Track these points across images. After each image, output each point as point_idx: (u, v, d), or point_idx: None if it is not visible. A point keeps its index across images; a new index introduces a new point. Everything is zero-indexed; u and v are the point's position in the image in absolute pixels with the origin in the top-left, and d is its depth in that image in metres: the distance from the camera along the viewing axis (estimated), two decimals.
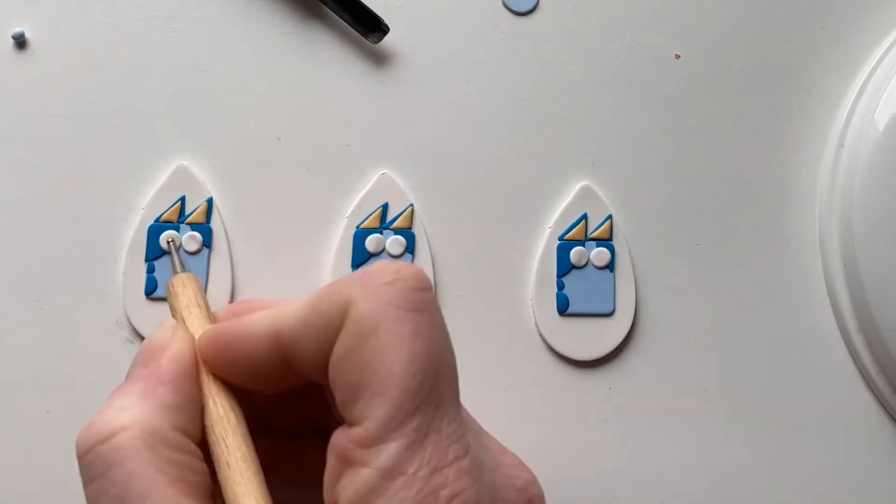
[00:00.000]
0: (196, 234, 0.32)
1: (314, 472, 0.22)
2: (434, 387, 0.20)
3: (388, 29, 0.34)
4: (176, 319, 0.25)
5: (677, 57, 0.36)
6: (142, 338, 0.32)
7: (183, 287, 0.26)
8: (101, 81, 0.33)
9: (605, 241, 0.34)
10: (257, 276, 0.33)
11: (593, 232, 0.34)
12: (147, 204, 0.33)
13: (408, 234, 0.33)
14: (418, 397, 0.20)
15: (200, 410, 0.23)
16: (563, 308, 0.34)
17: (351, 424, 0.21)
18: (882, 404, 0.35)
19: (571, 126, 0.35)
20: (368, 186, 0.34)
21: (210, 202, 0.33)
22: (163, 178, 0.33)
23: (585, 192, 0.34)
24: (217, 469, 0.22)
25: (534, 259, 0.34)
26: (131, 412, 0.22)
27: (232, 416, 0.23)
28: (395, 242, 0.33)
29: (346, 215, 0.33)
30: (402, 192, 0.34)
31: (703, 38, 0.36)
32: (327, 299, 0.21)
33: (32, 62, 0.33)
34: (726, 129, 0.36)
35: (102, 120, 0.33)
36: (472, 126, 0.35)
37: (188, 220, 0.33)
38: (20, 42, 0.33)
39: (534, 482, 0.23)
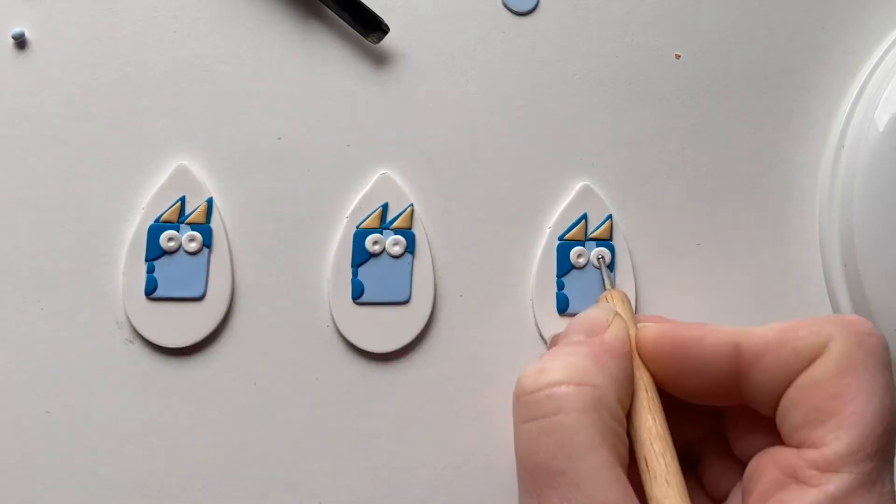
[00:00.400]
0: (196, 234, 0.32)
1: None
2: (891, 442, 0.22)
3: (388, 29, 0.34)
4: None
5: (677, 57, 0.36)
6: (142, 338, 0.32)
7: (622, 303, 0.28)
8: (101, 81, 0.33)
9: (605, 241, 0.34)
10: (257, 276, 0.33)
11: (593, 232, 0.34)
12: (147, 204, 0.33)
13: (408, 233, 0.33)
14: (879, 443, 0.21)
15: (631, 395, 0.25)
16: (563, 308, 0.34)
17: (802, 447, 0.22)
18: None
19: (571, 126, 0.35)
20: (368, 186, 0.34)
21: (210, 202, 0.33)
22: (163, 178, 0.33)
23: (585, 192, 0.34)
24: (648, 479, 0.23)
25: (534, 259, 0.34)
26: (582, 371, 0.23)
27: (668, 433, 0.24)
28: (394, 242, 0.33)
29: (346, 215, 0.33)
30: (402, 192, 0.34)
31: (703, 38, 0.36)
32: (807, 328, 0.23)
33: (32, 62, 0.33)
34: (726, 129, 0.36)
35: (102, 120, 0.33)
36: (472, 126, 0.35)
37: (188, 220, 0.33)
38: (20, 42, 0.33)
39: None
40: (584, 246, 0.34)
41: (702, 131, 0.36)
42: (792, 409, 0.23)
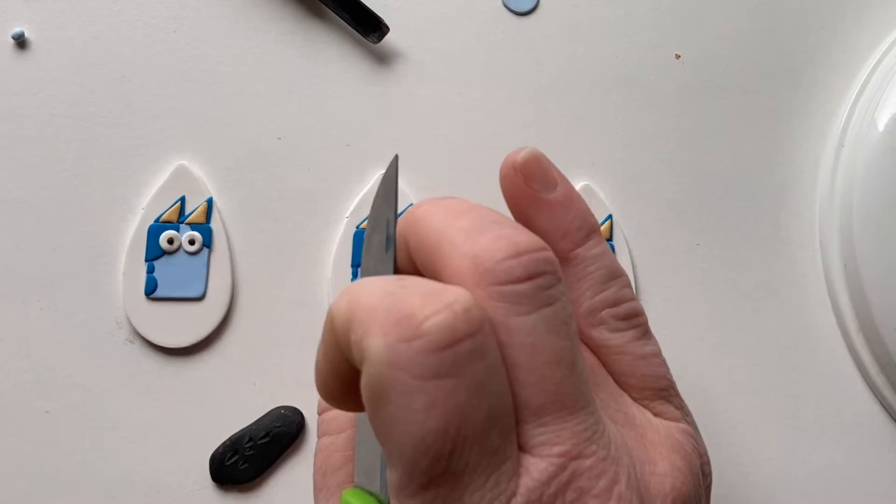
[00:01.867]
0: (196, 234, 0.32)
1: None
2: (452, 460, 0.18)
3: (388, 29, 0.34)
4: None
5: (677, 57, 0.36)
6: (142, 338, 0.32)
7: None
8: (101, 81, 0.33)
9: (606, 242, 0.34)
10: (257, 276, 0.33)
11: None
12: (147, 204, 0.33)
13: None
14: (430, 473, 0.18)
15: None
16: None
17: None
18: (882, 404, 0.35)
19: (571, 126, 0.35)
20: (367, 186, 0.34)
21: (210, 202, 0.33)
22: (163, 178, 0.33)
23: (585, 192, 0.34)
24: None
25: None
26: None
27: None
28: None
29: (346, 215, 0.33)
30: (402, 192, 0.34)
31: (703, 38, 0.36)
32: (354, 333, 0.18)
33: (32, 62, 0.33)
34: (726, 129, 0.36)
35: (102, 120, 0.33)
36: (472, 126, 0.35)
37: (188, 220, 0.33)
38: (20, 42, 0.33)
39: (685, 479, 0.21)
40: None
41: (702, 131, 0.36)
42: None
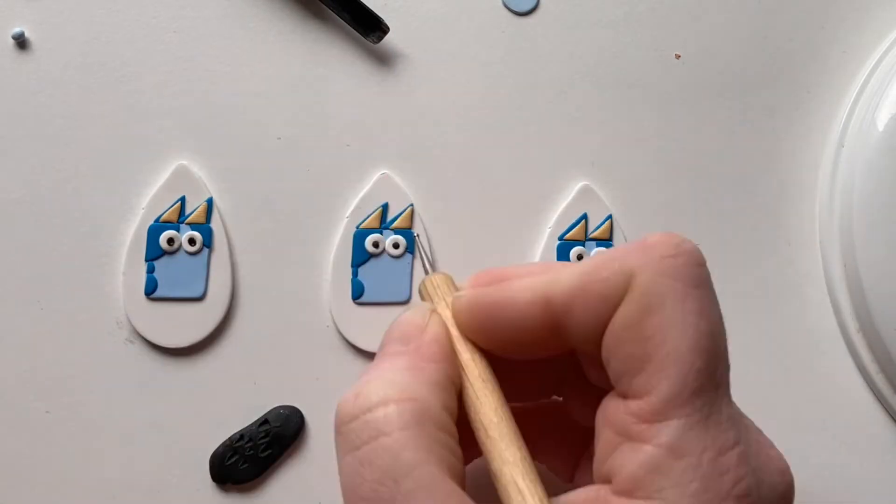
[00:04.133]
0: (196, 234, 0.32)
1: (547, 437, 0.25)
2: (716, 367, 0.20)
3: (388, 29, 0.34)
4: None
5: (677, 57, 0.36)
6: (142, 338, 0.32)
7: (435, 289, 0.26)
8: (101, 81, 0.33)
9: (605, 241, 0.34)
10: (257, 276, 0.33)
11: (593, 232, 0.34)
12: (147, 204, 0.33)
13: (408, 233, 0.33)
14: (702, 376, 0.20)
15: (459, 393, 0.23)
16: None
17: (627, 397, 0.20)
18: (882, 404, 0.35)
19: (571, 126, 0.35)
20: (368, 186, 0.34)
21: (210, 202, 0.33)
22: (163, 178, 0.33)
23: (585, 192, 0.34)
24: (482, 444, 0.22)
25: (534, 259, 0.34)
26: (400, 386, 0.21)
27: (502, 411, 0.22)
28: (394, 242, 0.33)
29: (346, 215, 0.34)
30: (402, 192, 0.34)
31: (703, 38, 0.36)
32: (608, 266, 0.21)
33: (32, 62, 0.33)
34: (726, 129, 0.36)
35: (102, 120, 0.33)
36: (473, 126, 0.35)
37: (188, 220, 0.33)
38: (20, 42, 0.33)
39: (788, 466, 0.23)
40: (584, 246, 0.34)
41: (702, 131, 0.36)
42: (611, 358, 0.21)
